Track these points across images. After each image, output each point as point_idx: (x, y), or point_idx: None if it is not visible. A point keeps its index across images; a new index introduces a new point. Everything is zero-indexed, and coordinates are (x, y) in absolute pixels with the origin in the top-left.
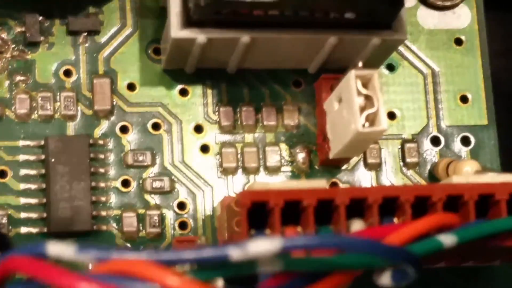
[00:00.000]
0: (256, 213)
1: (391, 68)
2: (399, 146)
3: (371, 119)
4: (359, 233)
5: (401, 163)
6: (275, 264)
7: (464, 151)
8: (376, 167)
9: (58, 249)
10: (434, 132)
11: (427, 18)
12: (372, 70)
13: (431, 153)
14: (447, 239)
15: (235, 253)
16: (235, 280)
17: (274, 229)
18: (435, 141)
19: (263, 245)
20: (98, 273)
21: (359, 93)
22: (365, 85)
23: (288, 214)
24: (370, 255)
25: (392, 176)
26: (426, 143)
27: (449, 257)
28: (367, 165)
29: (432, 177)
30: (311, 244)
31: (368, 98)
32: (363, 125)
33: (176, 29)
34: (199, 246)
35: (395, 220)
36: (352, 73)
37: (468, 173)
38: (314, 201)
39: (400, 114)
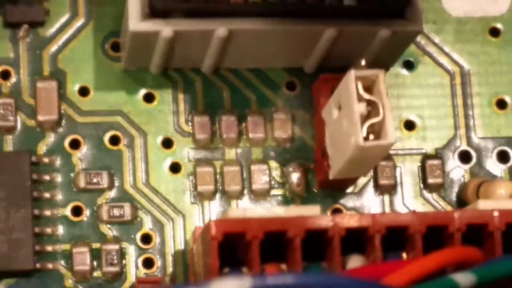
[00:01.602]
0: (234, 247)
1: (409, 66)
2: (419, 164)
3: (377, 130)
4: (353, 271)
5: (422, 185)
6: None
7: (501, 169)
8: (389, 190)
9: (231, 285)
10: (463, 146)
11: (455, 3)
12: (376, 70)
13: (459, 172)
14: (464, 279)
15: None
16: None
17: (252, 267)
18: (464, 157)
19: (229, 286)
20: None
21: (361, 99)
22: (368, 88)
23: (271, 248)
24: None
25: (410, 201)
26: (453, 160)
27: None
28: (378, 188)
29: (461, 202)
30: (285, 284)
31: (372, 104)
32: (366, 138)
33: (135, 21)
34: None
35: (404, 256)
36: (351, 74)
37: (501, 197)
38: (302, 232)
39: (421, 123)
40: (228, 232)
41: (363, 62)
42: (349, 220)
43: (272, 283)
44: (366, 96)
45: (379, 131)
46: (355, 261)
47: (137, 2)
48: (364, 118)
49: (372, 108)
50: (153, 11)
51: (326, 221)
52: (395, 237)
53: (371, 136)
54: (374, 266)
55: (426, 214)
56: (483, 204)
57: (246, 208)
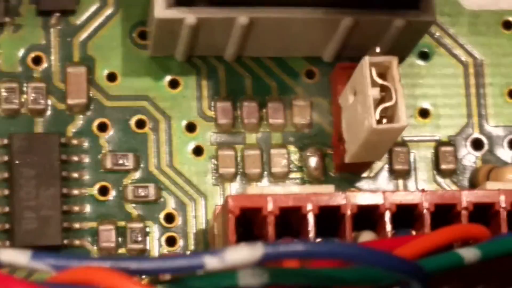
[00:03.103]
0: (250, 226)
1: (424, 56)
2: (433, 150)
3: (390, 115)
4: (362, 243)
5: (435, 170)
6: (258, 276)
7: (511, 156)
8: (404, 175)
9: (10, 255)
10: (476, 134)
11: None
12: (390, 56)
13: (471, 159)
14: (469, 253)
15: (210, 262)
16: None
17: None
18: (476, 144)
19: (242, 253)
20: (53, 282)
21: (374, 84)
22: (382, 74)
23: (287, 228)
24: (371, 267)
25: (423, 185)
26: (466, 147)
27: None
28: (393, 172)
29: (473, 187)
30: (297, 252)
31: (386, 89)
32: (379, 121)
33: (161, 8)
34: (172, 255)
35: (413, 233)
36: (366, 60)
37: (511, 181)
38: (316, 208)
39: (435, 111)
40: (245, 207)
41: (377, 49)
42: (361, 198)
43: (283, 250)
44: (380, 81)
45: (392, 115)
46: (366, 237)
47: None
48: (378, 102)
49: (386, 93)
50: None
51: (339, 198)
52: (405, 215)
53: (384, 120)
54: (384, 240)
55: (435, 193)
56: (490, 186)
57: (263, 186)
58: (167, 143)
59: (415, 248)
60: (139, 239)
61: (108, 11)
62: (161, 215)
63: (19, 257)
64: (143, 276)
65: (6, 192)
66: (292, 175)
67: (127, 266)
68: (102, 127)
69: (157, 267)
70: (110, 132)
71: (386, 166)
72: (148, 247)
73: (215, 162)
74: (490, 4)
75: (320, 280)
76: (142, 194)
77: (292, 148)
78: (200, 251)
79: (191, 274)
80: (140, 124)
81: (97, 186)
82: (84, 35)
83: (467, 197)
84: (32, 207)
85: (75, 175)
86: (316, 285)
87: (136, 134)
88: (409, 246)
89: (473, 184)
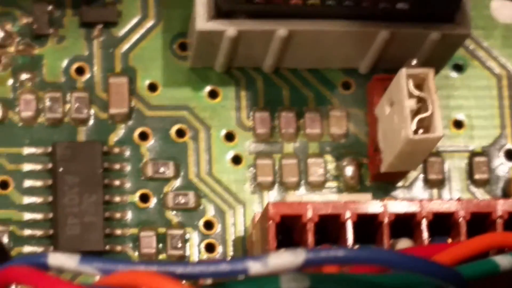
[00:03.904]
0: (290, 234)
1: (458, 68)
2: (467, 160)
3: (426, 126)
4: (400, 250)
5: (469, 180)
6: (299, 281)
7: None
8: (438, 184)
9: (60, 259)
10: (509, 144)
11: (503, 10)
12: (426, 68)
13: (504, 169)
14: (504, 261)
15: (254, 266)
16: None
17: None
18: (510, 154)
19: (284, 258)
20: (101, 285)
21: (411, 95)
22: (419, 86)
23: (325, 236)
24: (410, 273)
25: (457, 194)
26: (499, 157)
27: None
28: (427, 182)
29: (506, 197)
30: (338, 257)
31: (422, 101)
32: (416, 132)
33: (202, 21)
34: (216, 260)
35: (449, 241)
36: (403, 72)
37: None
38: (354, 216)
39: (469, 122)
40: (285, 214)
41: (414, 62)
42: (398, 206)
43: (324, 255)
44: (416, 92)
45: (428, 126)
46: (403, 245)
47: (204, 4)
48: (414, 113)
49: (422, 104)
50: (218, 12)
51: (377, 206)
52: (442, 223)
53: (421, 131)
54: (421, 247)
55: (471, 202)
56: None
57: (302, 194)
58: (206, 152)
59: (451, 255)
60: (179, 245)
61: (149, 23)
62: (201, 222)
63: (68, 260)
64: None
65: (50, 198)
66: (329, 184)
67: (173, 270)
68: (143, 136)
69: (202, 271)
70: (151, 141)
71: (421, 175)
72: (187, 253)
73: (253, 171)
74: None
75: (359, 285)
76: (182, 201)
77: (328, 157)
78: (243, 256)
79: (233, 278)
80: (180, 133)
81: (138, 194)
82: (125, 46)
83: (502, 206)
84: (75, 213)
85: (117, 182)
86: None
87: (176, 143)
88: (446, 253)
89: (507, 194)
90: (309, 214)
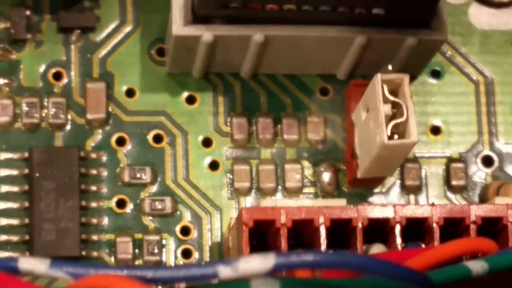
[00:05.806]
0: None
1: (436, 74)
2: (444, 166)
3: (401, 131)
4: (372, 255)
5: (446, 186)
6: (270, 286)
7: None
8: (415, 190)
9: (30, 264)
10: (486, 151)
11: (481, 16)
12: (401, 74)
13: (481, 175)
14: (477, 266)
15: (224, 271)
16: None
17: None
18: (487, 161)
19: (254, 262)
20: None
21: (386, 100)
22: (394, 91)
23: (300, 237)
24: (380, 278)
25: (434, 200)
26: (476, 164)
27: None
28: (404, 188)
29: (483, 203)
30: (308, 261)
31: (397, 106)
32: (391, 137)
33: (179, 25)
34: (187, 264)
35: (423, 246)
36: (378, 78)
37: None
38: (327, 221)
39: (446, 128)
40: (258, 219)
41: (389, 67)
42: (372, 211)
43: (295, 260)
44: (391, 98)
45: (403, 131)
46: (376, 249)
47: (180, 9)
48: (389, 119)
49: (397, 110)
50: (195, 17)
51: (350, 211)
52: (415, 229)
53: (396, 136)
54: (394, 252)
55: (444, 207)
56: (499, 200)
57: (277, 199)
58: (183, 157)
59: (424, 260)
60: (156, 251)
61: (127, 28)
62: (177, 228)
63: (39, 265)
64: (159, 286)
65: (26, 204)
66: (306, 190)
67: (143, 274)
68: (120, 142)
69: (172, 275)
70: (128, 146)
71: (398, 181)
72: (164, 259)
73: (231, 177)
74: (501, 24)
75: None
76: (159, 207)
77: (306, 163)
78: (215, 261)
79: (205, 283)
80: (158, 138)
81: (115, 199)
82: (103, 51)
83: (475, 211)
84: (51, 219)
85: (94, 188)
86: None
87: (154, 149)
88: (418, 258)
89: (483, 200)
90: (283, 219)
